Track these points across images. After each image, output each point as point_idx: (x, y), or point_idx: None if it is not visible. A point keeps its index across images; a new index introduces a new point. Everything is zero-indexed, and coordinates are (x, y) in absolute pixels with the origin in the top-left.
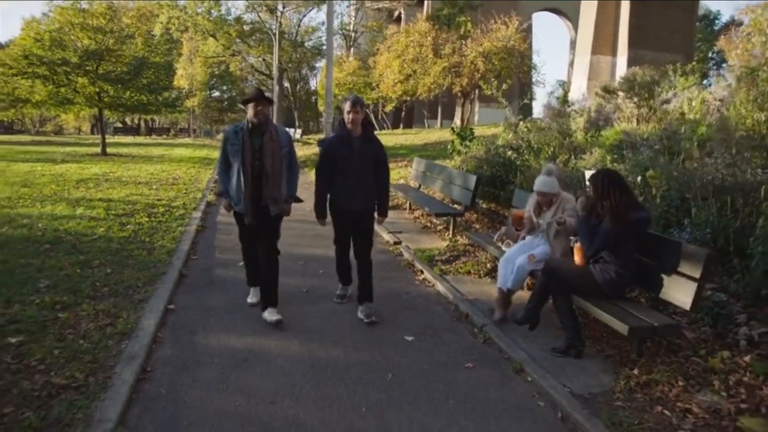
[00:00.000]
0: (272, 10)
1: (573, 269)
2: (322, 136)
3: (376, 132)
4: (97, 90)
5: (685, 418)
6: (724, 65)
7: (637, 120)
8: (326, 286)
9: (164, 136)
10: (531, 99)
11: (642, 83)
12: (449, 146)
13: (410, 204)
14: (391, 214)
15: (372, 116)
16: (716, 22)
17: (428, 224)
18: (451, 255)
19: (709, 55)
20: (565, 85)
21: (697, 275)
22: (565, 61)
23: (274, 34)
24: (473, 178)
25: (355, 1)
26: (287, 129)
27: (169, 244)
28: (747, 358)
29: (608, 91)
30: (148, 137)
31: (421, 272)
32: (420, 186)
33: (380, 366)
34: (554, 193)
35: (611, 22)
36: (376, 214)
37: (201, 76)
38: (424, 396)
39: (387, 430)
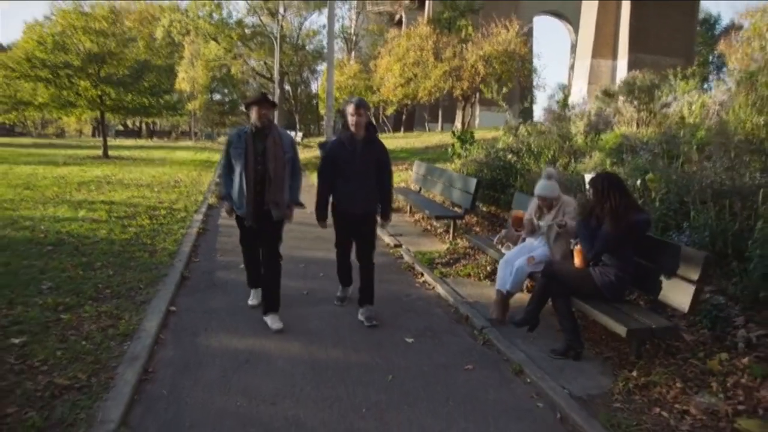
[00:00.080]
0: (273, 14)
1: (572, 271)
2: (323, 139)
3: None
4: (99, 93)
5: (683, 419)
6: (724, 69)
7: (637, 123)
8: (326, 289)
9: (165, 139)
10: (531, 102)
11: (642, 87)
12: (450, 149)
13: (411, 207)
14: (391, 216)
15: (373, 119)
16: (716, 26)
17: (428, 227)
18: (451, 258)
19: (710, 59)
20: (565, 89)
21: (696, 278)
22: (565, 65)
23: (276, 38)
24: (473, 182)
25: (356, 5)
26: (289, 132)
27: (171, 246)
28: (745, 360)
29: (608, 95)
30: (149, 140)
31: (422, 275)
32: (420, 189)
33: (380, 367)
34: (555, 196)
35: (612, 25)
36: (378, 217)
37: (202, 80)
38: (424, 397)
39: (387, 430)
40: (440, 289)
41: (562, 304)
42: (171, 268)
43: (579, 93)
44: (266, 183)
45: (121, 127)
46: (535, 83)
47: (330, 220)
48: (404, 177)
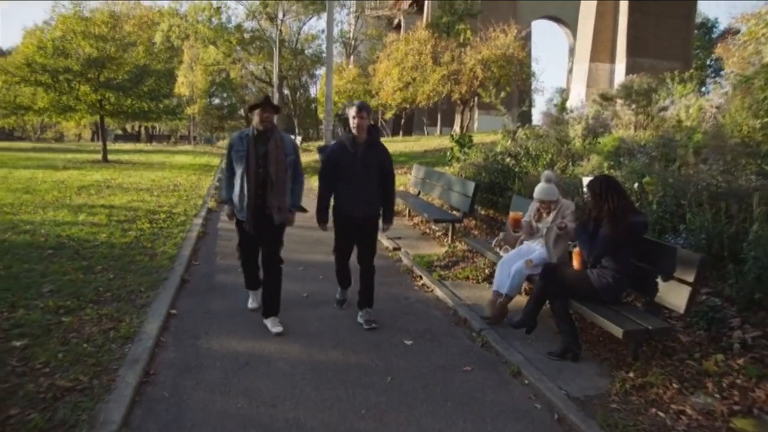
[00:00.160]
0: (272, 18)
1: (570, 274)
2: (322, 143)
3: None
4: (99, 97)
5: (679, 419)
6: (722, 73)
7: (635, 127)
8: (326, 291)
9: (165, 144)
10: (530, 106)
11: (639, 90)
12: (448, 153)
13: (409, 210)
14: (393, 220)
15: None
16: (714, 29)
17: (427, 230)
18: (450, 261)
19: (708, 62)
20: (563, 93)
21: (691, 280)
22: (564, 69)
23: (275, 42)
24: (472, 185)
25: (355, 9)
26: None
27: (171, 249)
28: (740, 361)
29: (606, 99)
30: (148, 144)
31: (420, 278)
32: (419, 193)
33: (379, 369)
34: (553, 199)
35: (610, 29)
36: (380, 221)
37: (201, 84)
38: (423, 398)
39: (386, 431)
40: (439, 292)
41: (560, 306)
42: (171, 271)
43: (577, 97)
44: (268, 186)
45: (120, 132)
46: (533, 87)
47: (330, 223)
48: (403, 181)
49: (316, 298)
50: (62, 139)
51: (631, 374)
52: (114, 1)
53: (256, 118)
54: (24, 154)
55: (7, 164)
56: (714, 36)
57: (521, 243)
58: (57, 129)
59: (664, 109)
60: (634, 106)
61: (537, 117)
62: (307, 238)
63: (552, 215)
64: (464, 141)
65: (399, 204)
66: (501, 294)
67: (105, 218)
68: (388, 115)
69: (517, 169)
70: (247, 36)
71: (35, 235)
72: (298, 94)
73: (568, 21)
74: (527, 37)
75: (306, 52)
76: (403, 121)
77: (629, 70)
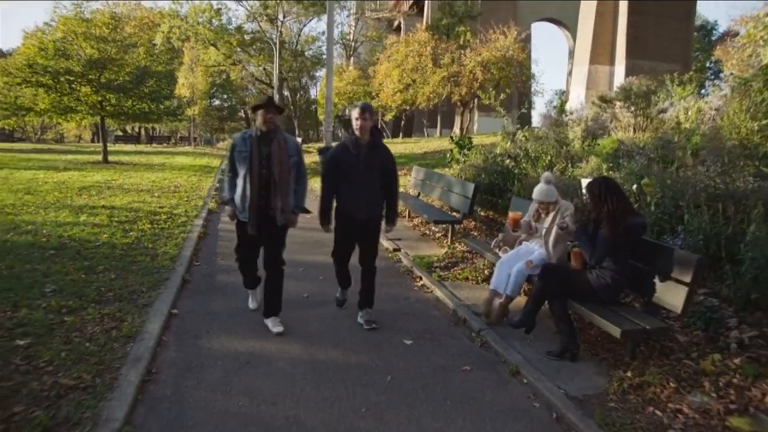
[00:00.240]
0: (273, 20)
1: (569, 274)
2: (322, 144)
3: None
4: (100, 98)
5: (676, 418)
6: (721, 75)
7: (634, 129)
8: (326, 292)
9: (165, 145)
10: (530, 108)
11: (638, 93)
12: (448, 155)
13: (409, 212)
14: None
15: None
16: (714, 31)
17: (427, 231)
18: (450, 262)
19: (707, 64)
20: (563, 95)
21: (689, 280)
22: (563, 71)
23: (275, 44)
24: (471, 187)
25: (355, 11)
26: None
27: (172, 250)
28: (737, 361)
29: (605, 101)
30: (148, 145)
31: (420, 278)
32: (419, 194)
33: (379, 369)
34: (552, 201)
35: (609, 31)
36: (383, 223)
37: (202, 85)
38: (423, 397)
39: (386, 430)
40: (438, 293)
41: (559, 306)
42: (172, 271)
43: (577, 99)
44: (271, 187)
45: (120, 133)
46: (533, 89)
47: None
48: (403, 182)
49: (316, 298)
50: (62, 141)
51: (629, 373)
52: (115, 2)
53: (259, 119)
54: (24, 155)
55: (8, 165)
56: (714, 38)
57: (520, 243)
58: (57, 130)
59: (663, 111)
60: (633, 108)
61: (537, 119)
62: (308, 239)
63: (551, 216)
64: (464, 143)
65: (399, 205)
66: (498, 293)
67: (106, 219)
68: (388, 117)
69: (516, 171)
70: (247, 37)
71: (37, 236)
72: (298, 95)
73: (568, 23)
74: (527, 39)
75: (306, 53)
76: (403, 122)
77: (629, 72)
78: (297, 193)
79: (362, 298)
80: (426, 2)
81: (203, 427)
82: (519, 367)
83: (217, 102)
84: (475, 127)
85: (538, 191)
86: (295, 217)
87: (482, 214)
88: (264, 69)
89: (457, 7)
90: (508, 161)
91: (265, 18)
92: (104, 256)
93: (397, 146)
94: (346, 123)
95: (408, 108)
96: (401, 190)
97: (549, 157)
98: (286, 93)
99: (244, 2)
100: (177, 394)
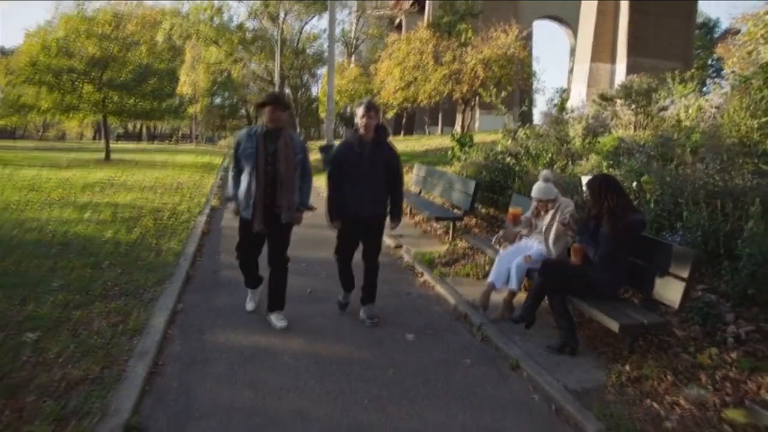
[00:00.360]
0: (274, 18)
1: (568, 270)
2: (323, 142)
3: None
4: (102, 97)
5: (673, 410)
6: (723, 73)
7: (635, 127)
8: (329, 288)
9: (166, 143)
10: (530, 106)
11: (639, 90)
12: (449, 152)
13: (411, 209)
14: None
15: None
16: (716, 29)
17: (428, 228)
18: (451, 258)
19: (709, 62)
20: (564, 93)
21: (686, 275)
22: (565, 68)
23: (276, 42)
24: (472, 184)
25: (356, 9)
26: None
27: (176, 246)
28: (734, 355)
29: (605, 99)
30: (150, 143)
31: (422, 274)
32: (420, 191)
33: (382, 363)
34: (551, 198)
35: (610, 29)
36: (388, 220)
37: (203, 83)
38: (424, 391)
39: (389, 422)
40: (440, 288)
41: (559, 301)
42: (176, 267)
43: (578, 96)
44: (277, 185)
45: (121, 131)
46: (534, 87)
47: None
48: (404, 179)
49: (319, 294)
50: (64, 138)
51: (627, 367)
52: (117, 0)
53: (265, 116)
54: (28, 153)
55: (12, 163)
56: (715, 36)
57: (520, 239)
58: (59, 128)
59: (664, 109)
60: (633, 106)
61: (538, 117)
62: (311, 236)
63: (551, 213)
64: (465, 140)
65: None
66: (495, 286)
67: (110, 216)
68: (390, 115)
69: (517, 168)
70: (248, 35)
71: (42, 232)
72: (299, 93)
73: (570, 21)
74: (528, 37)
75: (307, 51)
76: (404, 120)
77: (630, 70)
78: (302, 191)
79: (364, 293)
80: (427, 0)
81: (209, 418)
82: (519, 361)
83: (218, 100)
84: (477, 125)
85: (536, 189)
86: (300, 214)
87: (483, 211)
88: (265, 67)
89: (458, 5)
90: (509, 159)
91: (266, 16)
92: (109, 253)
93: (398, 144)
94: (347, 121)
95: (409, 106)
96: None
97: (550, 155)
98: (287, 91)
99: (246, 0)
100: (183, 386)
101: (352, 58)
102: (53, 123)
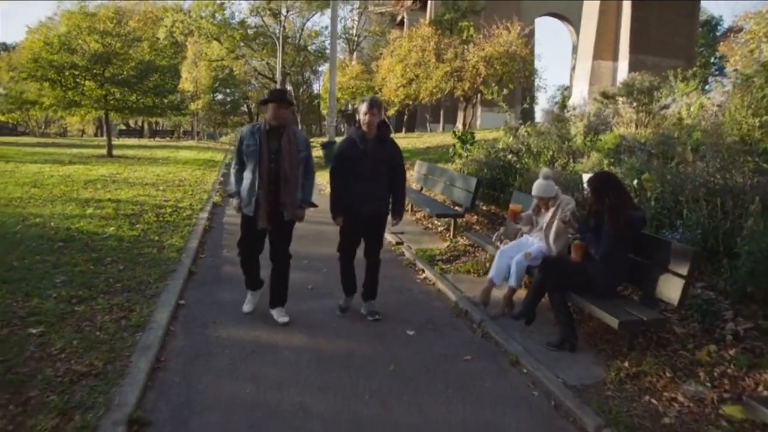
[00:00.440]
0: (276, 14)
1: (568, 267)
2: (325, 139)
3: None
4: (104, 93)
5: (671, 406)
6: (726, 71)
7: (636, 125)
8: (330, 284)
9: (168, 139)
10: (532, 104)
11: (641, 88)
12: (451, 150)
13: (412, 206)
14: (403, 216)
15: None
16: (719, 27)
17: (429, 225)
18: (452, 255)
19: (711, 60)
20: (565, 90)
21: (685, 273)
22: (567, 66)
23: (278, 38)
24: (474, 181)
25: (358, 6)
26: None
27: (178, 242)
28: (732, 352)
29: (606, 97)
30: (152, 140)
31: (422, 271)
32: (422, 188)
33: (382, 358)
34: (551, 196)
35: (613, 27)
36: (390, 216)
37: (205, 80)
38: (425, 385)
39: (389, 416)
40: (440, 285)
41: (558, 298)
42: (179, 263)
43: (580, 94)
44: (280, 182)
45: (123, 127)
46: (536, 84)
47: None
48: (406, 176)
49: (320, 290)
50: (65, 134)
51: (626, 364)
52: None
53: (270, 114)
54: (30, 149)
55: (14, 159)
56: (718, 34)
57: (521, 236)
58: (60, 124)
59: (666, 107)
60: (635, 104)
61: (539, 114)
62: (313, 232)
63: (551, 211)
64: (466, 138)
65: None
66: (494, 283)
67: (112, 212)
68: (391, 112)
69: (518, 166)
70: (250, 32)
71: (45, 228)
72: (301, 90)
73: (572, 18)
74: (530, 35)
75: (309, 48)
76: (405, 117)
77: (632, 68)
78: (304, 188)
79: (366, 289)
80: None
81: (212, 411)
82: (519, 357)
83: (220, 96)
84: (478, 123)
85: (537, 187)
86: (303, 211)
87: (484, 208)
88: (267, 63)
89: (460, 2)
90: (510, 156)
91: (268, 12)
92: (112, 248)
93: (400, 141)
94: (349, 117)
95: (411, 103)
96: None
97: (551, 153)
98: (289, 87)
99: None
100: (186, 380)
101: (354, 55)
102: (55, 119)
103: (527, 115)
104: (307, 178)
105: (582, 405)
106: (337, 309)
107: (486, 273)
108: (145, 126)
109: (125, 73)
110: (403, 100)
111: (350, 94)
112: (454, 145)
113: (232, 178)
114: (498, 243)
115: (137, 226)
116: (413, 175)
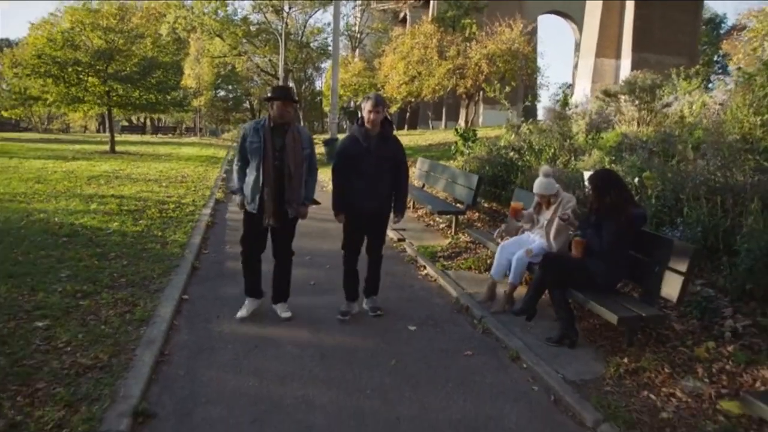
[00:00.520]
0: (278, 11)
1: (569, 263)
2: (327, 136)
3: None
4: (107, 89)
5: (669, 401)
6: (729, 69)
7: (638, 123)
8: (332, 280)
9: (170, 135)
10: (534, 101)
11: (643, 86)
12: (453, 147)
13: (414, 203)
14: (405, 213)
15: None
16: (722, 25)
17: (431, 222)
18: (453, 251)
19: (715, 58)
20: (567, 88)
21: (684, 270)
22: (569, 64)
23: (280, 35)
24: (475, 178)
25: (360, 3)
26: None
27: (181, 238)
28: (730, 348)
29: (609, 95)
30: (154, 136)
31: (424, 267)
32: (423, 185)
33: (384, 353)
34: (552, 193)
35: (616, 24)
36: (392, 213)
37: (208, 76)
38: (426, 380)
39: (391, 409)
40: (442, 281)
41: (559, 294)
42: (182, 258)
43: (582, 92)
44: (285, 180)
45: (125, 123)
46: (538, 82)
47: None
48: (408, 173)
49: (322, 286)
50: (68, 131)
51: (625, 359)
52: None
53: (274, 111)
54: (33, 145)
55: (18, 154)
56: (722, 32)
57: (522, 233)
58: (63, 120)
59: (668, 105)
60: (637, 102)
61: (541, 112)
62: (315, 228)
63: (552, 208)
64: (468, 135)
65: None
66: (495, 280)
67: (116, 207)
68: (393, 109)
69: (520, 163)
70: (253, 28)
71: (50, 224)
72: (303, 87)
73: (575, 16)
74: (533, 32)
75: (312, 45)
76: (408, 114)
77: (635, 66)
78: (308, 185)
79: (368, 285)
80: None
81: (215, 404)
82: (519, 353)
83: (222, 93)
84: (480, 120)
85: (537, 184)
86: (306, 208)
87: (486, 205)
88: (269, 60)
89: None
90: (512, 154)
91: (270, 9)
92: (115, 244)
93: (402, 138)
94: (351, 114)
95: (413, 100)
96: None
97: (552, 150)
98: (291, 84)
99: None
100: (189, 374)
101: (356, 52)
102: (57, 115)
103: (529, 113)
104: (310, 175)
105: (581, 400)
106: (338, 314)
107: (487, 270)
108: (148, 122)
109: (128, 69)
110: (405, 97)
111: (353, 91)
112: (456, 143)
113: (235, 175)
114: (499, 240)
115: (141, 221)
116: (415, 172)
